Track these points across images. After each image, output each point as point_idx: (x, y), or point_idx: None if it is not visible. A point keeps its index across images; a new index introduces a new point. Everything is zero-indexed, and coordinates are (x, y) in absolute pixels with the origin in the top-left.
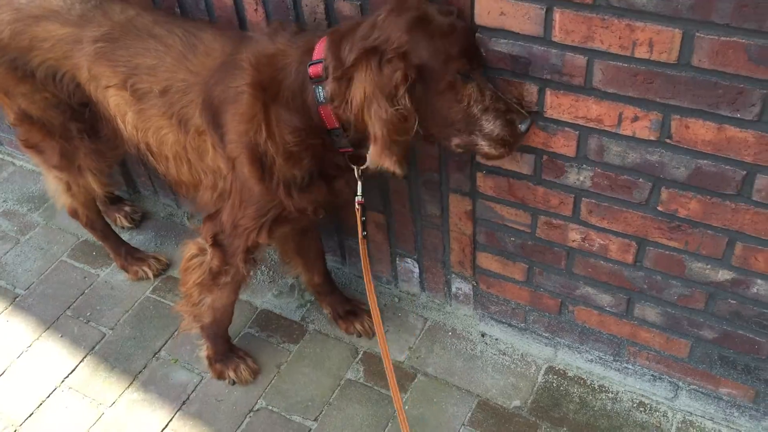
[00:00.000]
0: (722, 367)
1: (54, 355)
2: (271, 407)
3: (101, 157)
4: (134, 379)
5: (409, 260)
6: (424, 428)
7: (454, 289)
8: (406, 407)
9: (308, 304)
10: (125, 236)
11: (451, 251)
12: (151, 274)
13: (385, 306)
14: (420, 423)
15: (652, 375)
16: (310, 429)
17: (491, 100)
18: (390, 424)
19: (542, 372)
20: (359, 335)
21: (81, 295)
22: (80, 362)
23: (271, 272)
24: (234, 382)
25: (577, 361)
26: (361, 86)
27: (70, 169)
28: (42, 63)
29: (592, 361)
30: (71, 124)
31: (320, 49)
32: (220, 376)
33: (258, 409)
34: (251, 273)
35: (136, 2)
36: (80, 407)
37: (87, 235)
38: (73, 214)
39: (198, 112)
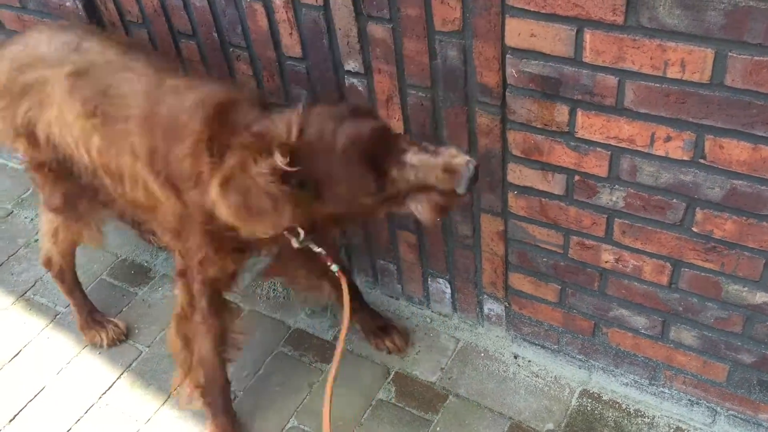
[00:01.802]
0: (761, 392)
1: (92, 371)
2: (302, 426)
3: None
4: (169, 396)
5: (441, 281)
6: None
7: (486, 310)
8: (438, 429)
9: (340, 324)
10: (162, 255)
11: (483, 272)
12: (105, 342)
13: (417, 326)
14: None
15: (689, 400)
16: None
17: (414, 182)
18: None
19: (576, 395)
20: (389, 352)
21: (119, 313)
22: (117, 379)
23: (303, 292)
24: None
25: (611, 385)
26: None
27: (70, 214)
28: (26, 113)
29: (627, 384)
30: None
31: None
32: None
33: (290, 428)
34: (216, 314)
35: (115, 39)
36: (117, 423)
37: (126, 254)
38: (46, 262)
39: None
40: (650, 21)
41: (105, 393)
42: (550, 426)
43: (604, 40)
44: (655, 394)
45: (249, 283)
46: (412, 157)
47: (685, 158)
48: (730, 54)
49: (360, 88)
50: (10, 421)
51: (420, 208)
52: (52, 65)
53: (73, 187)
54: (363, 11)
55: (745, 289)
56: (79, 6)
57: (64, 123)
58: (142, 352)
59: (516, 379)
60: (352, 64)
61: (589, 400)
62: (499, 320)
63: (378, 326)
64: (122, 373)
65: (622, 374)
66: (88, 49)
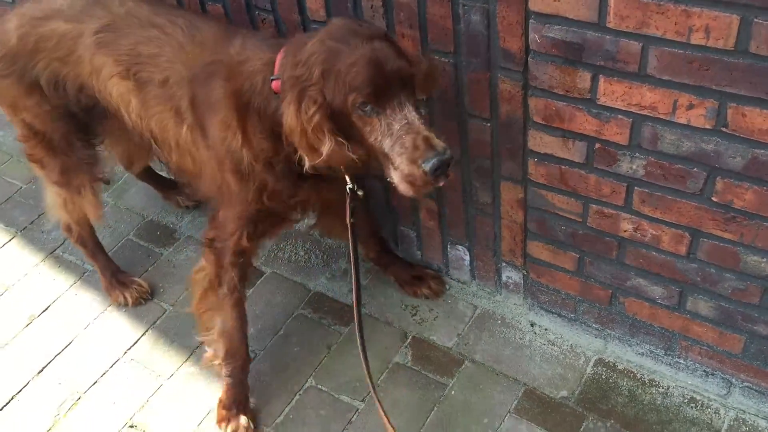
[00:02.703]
0: None
1: (118, 327)
2: (320, 386)
3: (98, 173)
4: (191, 354)
5: (460, 248)
6: (469, 414)
7: (504, 278)
8: (453, 393)
9: (363, 287)
10: (188, 217)
11: (502, 239)
12: (130, 302)
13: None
14: (466, 409)
15: (705, 371)
16: (358, 409)
17: (401, 134)
18: (436, 408)
19: (591, 364)
20: (426, 297)
21: (145, 272)
22: (142, 336)
23: (325, 256)
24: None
25: (627, 354)
26: (288, 118)
27: (69, 187)
28: (47, 67)
29: (642, 354)
30: (74, 137)
31: (278, 64)
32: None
33: (307, 388)
34: (244, 285)
35: None
36: (140, 378)
37: (153, 215)
38: (67, 229)
39: (188, 108)
40: None
41: (130, 349)
42: (564, 393)
43: (629, 4)
44: (670, 364)
45: (271, 245)
46: (410, 113)
47: (707, 126)
48: (755, 20)
49: None
50: (39, 372)
51: (400, 165)
52: (71, 19)
53: (67, 160)
54: None
55: (764, 260)
56: None
57: (100, 80)
58: (166, 310)
59: (532, 347)
60: None
61: (604, 369)
62: (517, 288)
63: (413, 276)
64: (146, 330)
65: (637, 344)
66: (107, 3)
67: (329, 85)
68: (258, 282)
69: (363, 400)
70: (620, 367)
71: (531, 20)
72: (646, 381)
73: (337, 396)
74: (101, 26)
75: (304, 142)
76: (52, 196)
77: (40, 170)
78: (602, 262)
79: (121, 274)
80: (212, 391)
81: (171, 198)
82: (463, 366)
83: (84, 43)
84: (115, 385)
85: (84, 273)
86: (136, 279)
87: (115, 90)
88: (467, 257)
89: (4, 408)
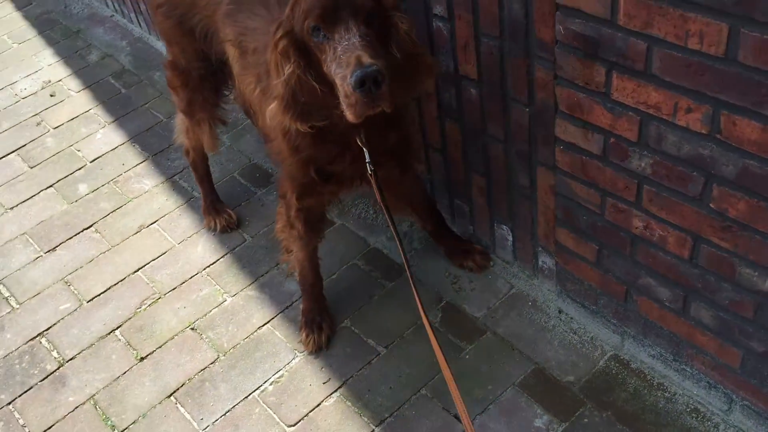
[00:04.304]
0: None
1: (203, 248)
2: (353, 328)
3: (217, 115)
4: (256, 280)
5: (504, 228)
6: (476, 378)
7: (540, 263)
8: (467, 357)
9: (413, 252)
10: None
11: (538, 224)
12: (218, 228)
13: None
14: (475, 373)
15: (708, 382)
16: (379, 354)
17: (341, 55)
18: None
19: (606, 358)
20: (471, 270)
21: (238, 206)
22: (221, 258)
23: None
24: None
25: (641, 354)
26: (269, 59)
27: (192, 118)
28: (200, 21)
29: (654, 356)
30: (206, 80)
31: None
32: (308, 340)
33: (342, 327)
34: (312, 233)
35: None
36: (210, 292)
37: (257, 160)
38: (186, 153)
39: (264, 74)
40: None
41: (208, 267)
42: (571, 378)
43: (636, 4)
44: (678, 370)
45: (348, 201)
46: (354, 37)
47: (703, 132)
48: (742, 30)
49: (444, 32)
50: (134, 272)
51: (339, 84)
52: None
53: (194, 96)
54: None
55: (756, 274)
56: None
57: (223, 43)
58: (246, 240)
59: (554, 332)
60: (438, 8)
61: (617, 365)
62: (550, 274)
63: (462, 249)
64: (225, 254)
65: (650, 345)
66: None
67: (295, 16)
68: (328, 229)
69: (386, 347)
70: (633, 366)
71: (557, 12)
72: (655, 384)
73: (365, 339)
74: (231, 1)
75: (274, 68)
76: (179, 122)
77: (174, 96)
78: (618, 257)
79: (218, 203)
80: (264, 313)
81: None
82: (485, 336)
83: (220, 10)
84: (188, 294)
85: (190, 198)
86: (229, 209)
87: (229, 53)
88: (510, 238)
89: (102, 294)
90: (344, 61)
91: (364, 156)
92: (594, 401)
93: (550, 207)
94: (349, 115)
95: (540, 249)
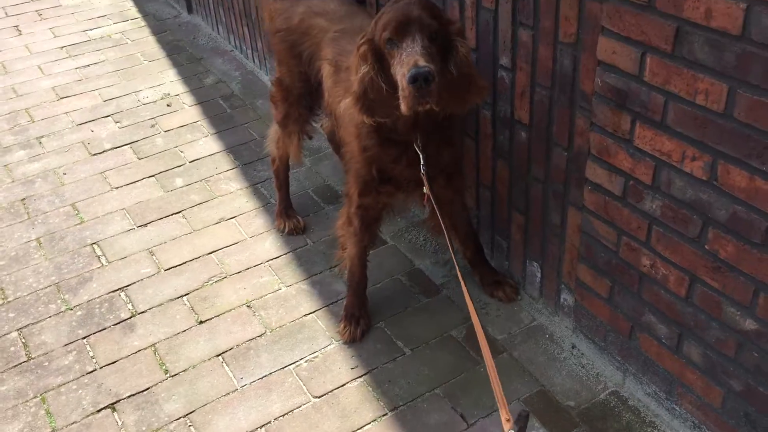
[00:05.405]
0: (747, 426)
1: (270, 244)
2: (386, 329)
3: (306, 130)
4: (309, 277)
5: (535, 264)
6: (487, 388)
7: (561, 299)
8: (482, 370)
9: (452, 277)
10: None
11: (563, 262)
12: (286, 230)
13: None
14: (485, 383)
15: (693, 422)
16: (405, 353)
17: (403, 59)
18: (464, 374)
19: (607, 392)
20: (500, 300)
21: (306, 215)
22: (282, 255)
23: (437, 246)
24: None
25: (638, 392)
26: (352, 62)
27: (284, 130)
28: (308, 48)
29: (649, 395)
30: (303, 99)
31: None
32: (345, 331)
33: (377, 327)
34: (367, 233)
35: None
36: (268, 280)
37: (331, 182)
38: (272, 161)
39: (350, 88)
40: (688, 53)
41: (270, 260)
42: (571, 403)
43: (659, 63)
44: (668, 409)
45: (402, 227)
46: (417, 46)
47: (704, 178)
48: (738, 90)
49: (506, 80)
50: (208, 254)
51: (399, 83)
52: (330, 20)
53: (291, 110)
54: (517, 18)
55: (739, 313)
56: None
57: (321, 62)
58: (308, 243)
59: (564, 363)
60: (504, 60)
61: (615, 399)
62: (569, 311)
63: (494, 280)
64: (287, 252)
65: (647, 383)
66: (354, 16)
67: (376, 28)
68: (381, 247)
69: (412, 350)
70: (630, 402)
71: (598, 67)
72: (647, 421)
73: (395, 340)
74: (339, 29)
75: (354, 68)
76: (272, 133)
77: (273, 109)
78: (626, 293)
79: (290, 209)
80: (311, 304)
81: None
82: (501, 355)
83: (326, 37)
84: (249, 278)
85: (267, 203)
86: (298, 216)
87: (324, 71)
88: (539, 274)
89: (178, 266)
90: (405, 62)
91: (419, 161)
92: (588, 425)
93: (575, 244)
94: (403, 107)
95: (563, 286)
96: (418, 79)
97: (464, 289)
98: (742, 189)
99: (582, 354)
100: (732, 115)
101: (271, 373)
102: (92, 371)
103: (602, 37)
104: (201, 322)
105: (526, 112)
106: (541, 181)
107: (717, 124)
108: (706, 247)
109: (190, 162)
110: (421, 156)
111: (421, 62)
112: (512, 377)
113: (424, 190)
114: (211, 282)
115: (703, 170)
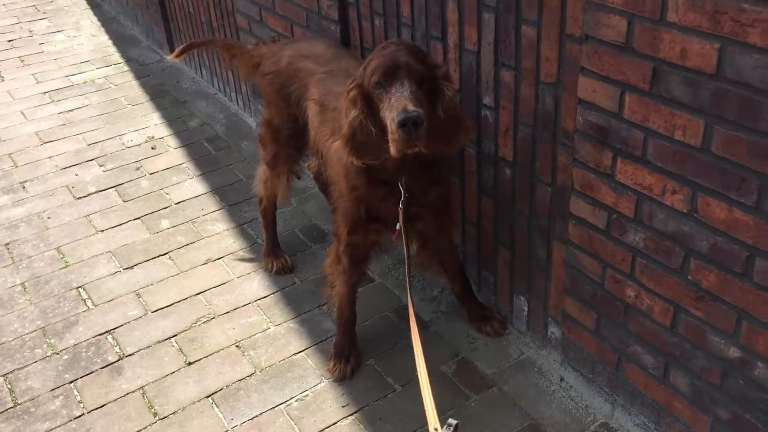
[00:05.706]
0: None
1: (258, 284)
2: (376, 366)
3: (295, 170)
4: (298, 315)
5: (522, 298)
6: (477, 423)
7: (549, 333)
8: (472, 404)
9: (440, 314)
10: None
11: (550, 295)
12: (274, 269)
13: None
14: (476, 419)
15: None
16: (395, 390)
17: (392, 103)
18: (454, 410)
19: (597, 424)
20: (489, 335)
21: (294, 254)
22: (271, 294)
23: (424, 283)
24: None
25: (627, 424)
26: (341, 106)
27: (273, 170)
28: (296, 89)
29: (638, 425)
30: (291, 139)
31: None
32: (335, 369)
33: (366, 365)
34: (356, 270)
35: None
36: (258, 319)
37: (318, 221)
38: (259, 201)
39: (338, 129)
40: (665, 91)
41: (259, 299)
42: None
43: (637, 101)
44: None
45: (389, 264)
46: (405, 91)
47: (685, 211)
48: (715, 126)
49: (490, 119)
50: (196, 294)
51: (389, 126)
52: (317, 62)
53: (280, 150)
54: (500, 59)
55: (723, 342)
56: (338, 32)
57: (306, 102)
58: (296, 282)
59: (554, 396)
60: (487, 99)
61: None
62: (557, 344)
63: (483, 315)
64: (276, 291)
65: (635, 414)
66: (340, 58)
67: (365, 73)
68: (369, 285)
69: (402, 386)
70: None
71: (579, 106)
72: None
73: (385, 377)
74: (325, 71)
75: (344, 112)
76: (260, 173)
77: (261, 150)
78: (612, 325)
79: (277, 249)
80: (300, 343)
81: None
82: (491, 390)
83: (313, 78)
84: (238, 318)
85: (254, 244)
86: (285, 255)
87: (310, 111)
88: (526, 308)
89: (166, 308)
90: (394, 106)
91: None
92: None
93: (561, 278)
94: (393, 150)
95: (550, 319)
96: (407, 124)
97: (409, 295)
98: (721, 220)
99: (571, 386)
100: (709, 150)
101: (261, 413)
102: (80, 416)
103: (582, 77)
104: (190, 364)
105: (510, 150)
106: (526, 216)
107: (695, 158)
108: (689, 277)
109: (175, 204)
110: (403, 193)
111: (410, 107)
112: (502, 411)
113: (397, 226)
114: (199, 323)
115: (683, 203)
